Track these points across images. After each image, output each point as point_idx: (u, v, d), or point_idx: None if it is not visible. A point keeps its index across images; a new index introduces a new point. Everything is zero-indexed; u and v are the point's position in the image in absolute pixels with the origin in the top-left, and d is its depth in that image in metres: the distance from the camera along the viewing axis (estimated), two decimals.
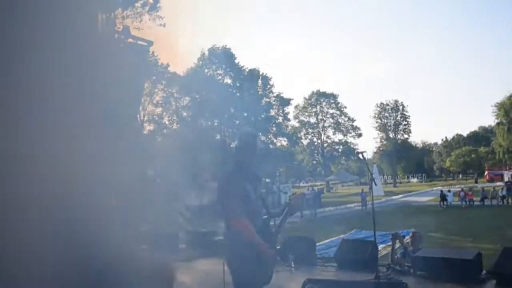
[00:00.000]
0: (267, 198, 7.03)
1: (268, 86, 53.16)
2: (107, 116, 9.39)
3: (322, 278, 2.03)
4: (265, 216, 3.42)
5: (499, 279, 5.77)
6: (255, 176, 3.43)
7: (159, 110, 47.47)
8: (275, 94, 53.52)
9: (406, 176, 78.04)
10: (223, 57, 49.41)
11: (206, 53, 50.16)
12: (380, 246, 12.03)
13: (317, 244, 12.30)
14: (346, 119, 65.20)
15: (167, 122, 48.34)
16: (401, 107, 70.06)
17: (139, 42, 9.41)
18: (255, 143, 3.40)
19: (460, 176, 73.59)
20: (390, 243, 8.17)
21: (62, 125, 5.18)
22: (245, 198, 3.16)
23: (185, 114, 49.19)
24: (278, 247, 3.58)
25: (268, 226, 3.38)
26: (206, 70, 49.77)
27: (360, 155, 7.00)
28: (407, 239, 7.50)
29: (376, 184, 8.42)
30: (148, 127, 47.41)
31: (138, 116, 44.16)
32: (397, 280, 5.64)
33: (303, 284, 1.91)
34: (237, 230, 3.12)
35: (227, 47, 50.59)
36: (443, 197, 29.88)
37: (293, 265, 7.25)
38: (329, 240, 14.08)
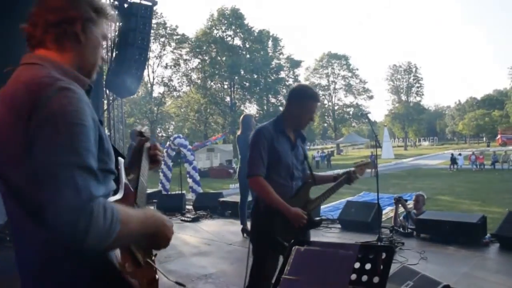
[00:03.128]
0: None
1: (279, 48, 52.41)
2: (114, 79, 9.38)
3: (307, 240, 1.96)
4: (309, 181, 3.12)
5: (502, 243, 5.76)
6: (300, 136, 3.16)
7: (168, 72, 47.27)
8: (285, 56, 52.84)
9: (417, 139, 77.62)
10: (233, 18, 48.60)
11: (215, 14, 49.34)
12: (387, 208, 12.10)
13: (325, 205, 12.41)
14: (357, 81, 64.51)
15: (176, 85, 48.17)
16: (414, 69, 68.92)
17: (143, 1, 9.22)
18: (305, 99, 3.02)
19: (473, 139, 72.96)
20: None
21: None
22: (274, 158, 2.94)
23: (194, 76, 48.92)
24: (318, 218, 3.24)
25: (307, 192, 3.09)
26: (215, 32, 49.05)
27: (365, 116, 6.87)
28: (411, 202, 7.49)
29: (381, 146, 8.31)
30: (158, 89, 47.44)
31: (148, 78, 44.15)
32: (385, 244, 5.59)
33: (290, 244, 1.88)
34: (253, 189, 3.02)
35: (236, 7, 49.69)
36: (453, 160, 29.77)
37: None
38: (337, 202, 14.13)
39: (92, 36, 1.36)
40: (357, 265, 1.72)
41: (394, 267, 4.04)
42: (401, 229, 6.69)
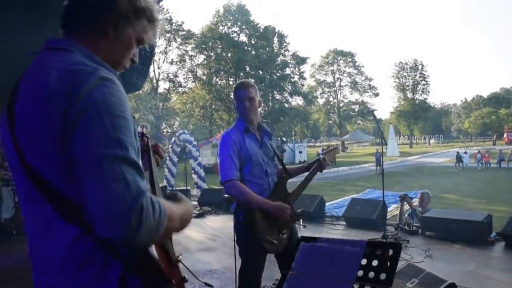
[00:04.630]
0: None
1: (284, 44, 52.19)
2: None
3: (313, 236, 1.92)
4: (283, 175, 3.15)
5: (508, 241, 5.74)
6: (266, 133, 3.16)
7: (174, 68, 47.24)
8: (291, 52, 52.65)
9: (423, 137, 77.35)
10: (238, 14, 48.49)
11: (221, 10, 49.26)
12: (392, 206, 12.07)
13: (330, 202, 12.40)
14: (363, 78, 64.29)
15: (182, 80, 48.19)
16: (420, 67, 68.53)
17: None
18: (235, 92, 3.07)
19: (479, 138, 72.63)
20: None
21: None
22: (246, 158, 2.95)
23: (200, 72, 48.90)
24: (300, 210, 3.20)
25: (284, 186, 3.11)
26: (221, 28, 48.98)
27: (371, 113, 6.84)
28: (416, 200, 7.48)
29: (386, 143, 8.29)
30: (163, 85, 47.49)
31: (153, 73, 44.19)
32: (392, 241, 5.59)
33: (297, 241, 1.88)
34: (229, 194, 2.94)
35: (242, 3, 49.56)
36: (459, 158, 29.64)
37: (301, 223, 7.37)
38: (342, 199, 14.14)
39: (124, 35, 1.28)
40: (363, 261, 1.73)
41: (399, 265, 4.04)
42: (406, 226, 6.68)
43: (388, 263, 1.69)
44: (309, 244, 1.95)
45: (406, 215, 7.28)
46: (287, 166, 3.28)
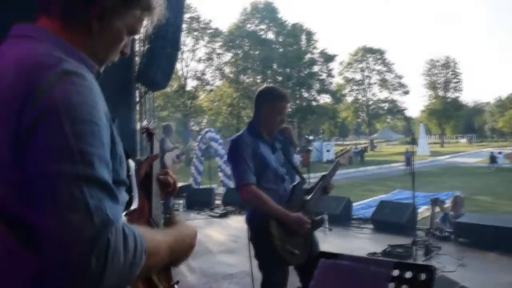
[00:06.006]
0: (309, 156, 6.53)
1: (312, 42, 51.69)
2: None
3: (338, 252, 1.72)
4: (299, 181, 3.01)
5: None
6: (278, 139, 3.03)
7: (201, 66, 47.44)
8: (319, 50, 52.09)
9: (454, 137, 75.37)
10: (266, 11, 48.29)
11: (249, 7, 49.15)
12: (422, 208, 11.65)
13: (358, 203, 12.08)
14: (393, 76, 62.96)
15: (209, 78, 48.35)
16: (452, 64, 66.74)
17: None
18: (275, 101, 2.87)
19: None
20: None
21: None
22: (261, 164, 2.77)
23: (227, 70, 48.96)
24: (319, 217, 3.03)
25: (301, 192, 2.95)
26: (248, 25, 48.88)
27: (399, 113, 6.54)
28: (449, 204, 7.13)
29: (417, 144, 7.96)
30: (191, 83, 47.77)
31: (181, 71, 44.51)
32: (425, 264, 5.25)
33: (316, 257, 1.68)
34: (246, 200, 2.74)
35: (269, 0, 49.31)
36: (492, 158, 28.63)
37: (327, 226, 7.13)
38: (370, 199, 13.76)
39: (111, 28, 1.06)
40: (391, 286, 1.51)
41: None
42: (437, 232, 6.34)
43: None
44: (330, 261, 1.74)
45: (437, 220, 6.93)
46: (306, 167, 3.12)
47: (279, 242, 2.63)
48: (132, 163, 1.25)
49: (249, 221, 2.85)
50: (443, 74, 66.98)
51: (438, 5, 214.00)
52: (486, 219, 6.30)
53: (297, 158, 6.19)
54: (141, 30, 1.16)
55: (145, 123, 1.56)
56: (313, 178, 6.74)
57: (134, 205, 1.11)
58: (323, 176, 3.11)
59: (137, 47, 9.95)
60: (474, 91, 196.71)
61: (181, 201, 9.96)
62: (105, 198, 0.82)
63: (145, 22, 1.17)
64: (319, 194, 2.99)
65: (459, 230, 6.12)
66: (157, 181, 1.36)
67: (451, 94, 66.29)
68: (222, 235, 7.09)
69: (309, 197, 2.95)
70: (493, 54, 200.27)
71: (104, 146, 0.88)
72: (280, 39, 49.37)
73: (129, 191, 1.13)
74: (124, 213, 1.05)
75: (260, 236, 2.71)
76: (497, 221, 6.11)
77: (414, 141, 6.62)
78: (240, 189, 2.72)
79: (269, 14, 48.38)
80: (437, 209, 6.87)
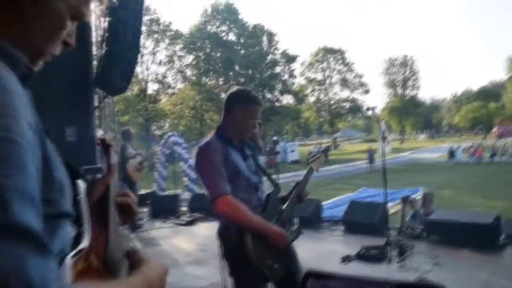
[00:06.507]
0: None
1: (273, 43, 51.87)
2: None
3: (325, 271, 1.53)
4: (270, 191, 2.76)
5: None
6: (248, 145, 2.79)
7: (162, 69, 46.68)
8: (280, 51, 52.32)
9: (414, 133, 77.44)
10: (226, 12, 48.07)
11: (209, 9, 48.78)
12: (389, 205, 11.71)
13: (325, 202, 12.00)
14: (353, 75, 63.97)
15: (171, 81, 47.62)
16: (410, 62, 68.60)
17: None
18: (248, 104, 2.64)
19: (468, 132, 72.88)
20: (399, 201, 7.81)
21: None
22: (232, 173, 2.51)
23: (189, 72, 48.38)
24: (296, 227, 2.83)
25: (276, 202, 2.72)
26: (209, 27, 48.50)
27: (370, 111, 6.46)
28: (417, 199, 7.10)
29: (388, 141, 7.96)
30: (152, 87, 46.90)
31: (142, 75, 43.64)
32: (432, 282, 5.12)
33: (304, 277, 1.46)
34: (223, 212, 2.47)
35: (229, 2, 49.15)
36: (451, 153, 29.50)
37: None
38: (336, 198, 13.71)
39: (50, 11, 0.82)
40: None
41: (409, 278, 3.66)
42: (409, 230, 6.29)
43: None
44: (320, 282, 1.53)
45: (408, 218, 6.89)
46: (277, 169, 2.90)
47: (257, 256, 2.39)
48: (82, 184, 0.99)
49: (222, 236, 2.59)
50: (402, 72, 68.76)
51: (394, 4, 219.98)
52: (457, 215, 6.30)
53: (261, 159, 5.99)
54: (87, 14, 0.90)
55: (100, 133, 1.27)
56: (282, 178, 6.57)
57: (85, 242, 0.85)
58: (297, 183, 2.91)
59: (94, 50, 9.52)
60: (432, 88, 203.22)
61: (145, 209, 9.57)
62: (28, 253, 0.56)
63: (92, 5, 0.92)
64: (294, 202, 2.78)
65: (431, 227, 6.10)
66: (115, 205, 1.09)
67: (409, 92, 68.14)
68: (190, 244, 6.80)
69: (284, 206, 2.74)
70: (448, 51, 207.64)
71: (27, 172, 0.62)
72: (242, 41, 49.26)
73: (78, 222, 0.87)
74: (70, 254, 0.79)
75: (235, 251, 2.45)
76: (467, 217, 6.12)
77: (384, 139, 6.56)
78: (215, 201, 2.42)
79: (230, 15, 48.17)
80: (408, 207, 6.83)
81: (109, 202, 1.02)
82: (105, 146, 1.24)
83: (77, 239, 0.85)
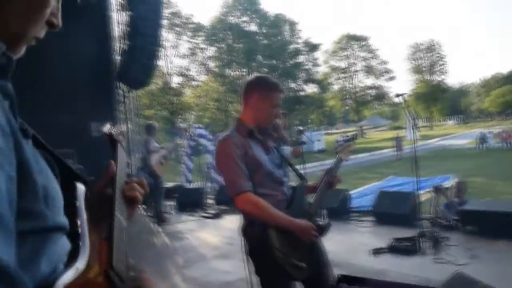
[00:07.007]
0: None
1: (296, 32, 51.36)
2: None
3: (360, 276, 1.40)
4: (298, 184, 2.60)
5: None
6: (272, 136, 2.61)
7: (185, 62, 46.88)
8: (303, 40, 51.76)
9: (442, 119, 75.71)
10: (247, 3, 47.76)
11: (230, 0, 48.57)
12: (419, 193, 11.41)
13: (352, 192, 11.78)
14: (378, 61, 62.86)
15: (194, 74, 47.77)
16: (437, 47, 66.86)
17: None
18: (269, 90, 2.45)
19: (499, 117, 70.76)
20: (429, 190, 7.56)
21: None
22: (254, 168, 2.35)
23: (212, 64, 48.40)
24: (323, 222, 2.59)
25: (302, 195, 2.56)
26: (230, 18, 48.31)
27: (399, 97, 6.21)
28: (448, 187, 6.81)
29: (419, 128, 7.72)
30: (176, 80, 47.16)
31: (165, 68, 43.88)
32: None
33: (337, 280, 1.35)
34: (243, 210, 2.33)
35: None
36: (482, 139, 28.61)
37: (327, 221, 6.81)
38: (364, 187, 13.44)
39: None
40: None
41: (444, 273, 3.46)
42: (443, 221, 6.04)
43: None
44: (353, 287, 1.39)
45: (441, 207, 6.63)
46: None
47: (282, 254, 2.26)
48: (81, 188, 0.86)
49: (245, 233, 2.46)
50: (428, 57, 67.11)
51: None
52: (493, 205, 6.01)
53: (287, 150, 5.83)
54: None
55: (107, 127, 1.13)
56: (309, 168, 6.41)
57: (82, 259, 0.72)
58: (327, 171, 2.74)
59: (116, 44, 9.53)
60: (460, 73, 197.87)
61: (172, 203, 9.58)
62: None
63: None
64: (324, 190, 2.62)
65: (466, 218, 5.82)
66: (123, 203, 0.94)
67: (436, 77, 66.49)
68: (217, 238, 6.73)
69: (312, 198, 2.58)
70: (476, 35, 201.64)
71: None
72: (264, 31, 48.93)
73: (74, 235, 0.75)
74: (66, 273, 0.67)
75: (260, 250, 2.32)
76: (504, 206, 5.83)
77: (415, 126, 6.33)
78: (234, 199, 2.30)
79: (250, 5, 47.87)
80: (441, 197, 6.56)
81: (114, 205, 0.89)
82: (112, 141, 1.10)
83: (74, 254, 0.73)
